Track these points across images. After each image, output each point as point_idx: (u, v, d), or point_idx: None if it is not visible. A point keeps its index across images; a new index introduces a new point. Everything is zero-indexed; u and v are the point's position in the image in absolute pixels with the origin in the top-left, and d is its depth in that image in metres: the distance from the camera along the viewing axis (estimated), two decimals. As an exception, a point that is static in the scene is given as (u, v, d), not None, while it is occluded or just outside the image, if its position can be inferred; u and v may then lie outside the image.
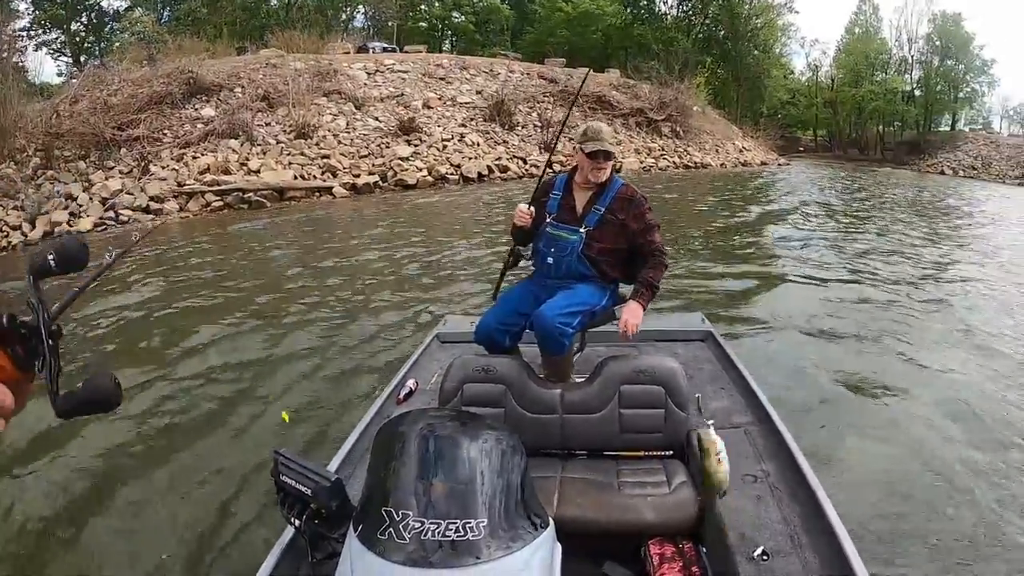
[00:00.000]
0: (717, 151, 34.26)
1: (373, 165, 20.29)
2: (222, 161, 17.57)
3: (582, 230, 3.03)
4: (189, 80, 20.39)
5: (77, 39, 43.79)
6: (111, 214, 14.15)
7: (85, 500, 3.67)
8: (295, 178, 18.11)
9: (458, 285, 8.38)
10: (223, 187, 16.28)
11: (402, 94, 25.61)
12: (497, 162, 23.17)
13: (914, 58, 56.01)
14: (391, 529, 1.48)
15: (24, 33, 36.60)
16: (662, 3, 53.61)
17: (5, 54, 18.51)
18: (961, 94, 55.42)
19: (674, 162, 30.11)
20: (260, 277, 9.10)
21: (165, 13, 43.61)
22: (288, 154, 19.17)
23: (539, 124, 26.62)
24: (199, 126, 18.98)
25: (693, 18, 53.74)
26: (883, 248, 11.74)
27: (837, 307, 7.51)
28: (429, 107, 25.31)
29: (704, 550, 2.18)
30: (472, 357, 2.86)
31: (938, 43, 53.89)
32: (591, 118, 22.69)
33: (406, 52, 33.22)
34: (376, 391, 4.07)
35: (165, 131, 18.37)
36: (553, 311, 2.86)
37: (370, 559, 1.47)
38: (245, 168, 17.77)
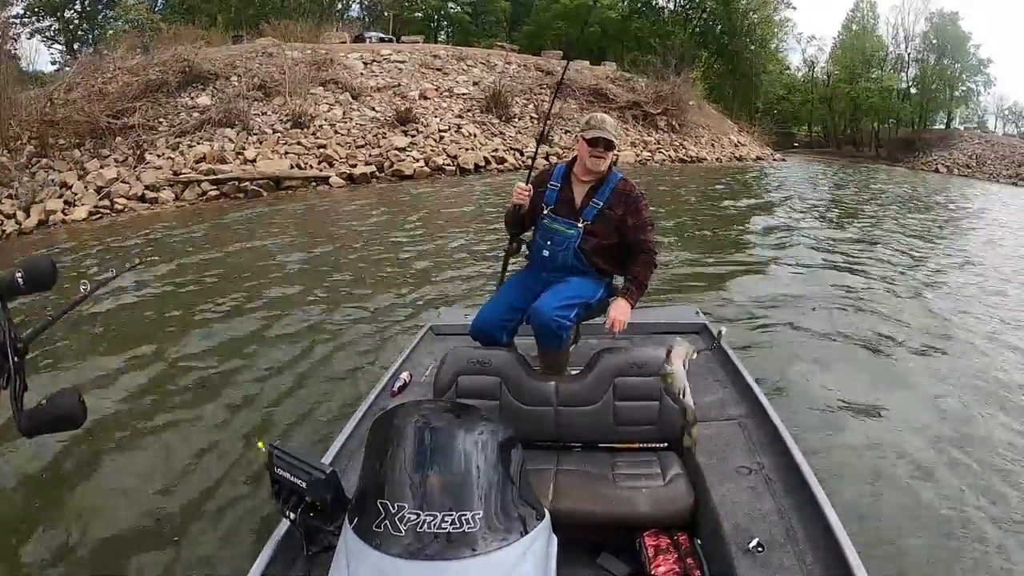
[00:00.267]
0: (713, 145, 34.26)
1: (370, 155, 20.24)
2: (218, 150, 17.51)
3: (580, 224, 3.02)
4: (185, 68, 20.26)
5: (71, 27, 43.47)
6: (106, 203, 14.09)
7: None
8: (291, 168, 18.05)
9: (453, 276, 8.36)
10: (219, 176, 16.23)
11: (399, 84, 25.51)
12: (494, 154, 23.12)
13: (910, 56, 56.15)
14: (387, 522, 1.48)
15: (17, 20, 36.36)
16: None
17: (-1, 40, 18.37)
18: (957, 93, 55.53)
19: (670, 156, 30.09)
20: (254, 266, 9.07)
21: (159, 1, 43.33)
22: (284, 144, 19.10)
23: (536, 116, 26.58)
24: (195, 115, 18.86)
25: (690, 12, 53.66)
26: (876, 242, 11.79)
27: (830, 300, 7.52)
28: (426, 98, 25.21)
29: (699, 542, 2.19)
30: (467, 349, 2.85)
31: (935, 41, 53.97)
32: (588, 111, 22.66)
33: (403, 42, 33.07)
34: (370, 383, 4.05)
35: (161, 119, 18.28)
36: (550, 304, 2.85)
37: (366, 552, 1.47)
38: (241, 157, 17.71)
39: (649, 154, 29.16)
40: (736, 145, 36.66)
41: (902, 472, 3.78)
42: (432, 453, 1.59)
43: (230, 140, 18.30)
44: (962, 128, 54.80)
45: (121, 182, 14.96)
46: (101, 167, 15.42)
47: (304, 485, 1.86)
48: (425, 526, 1.46)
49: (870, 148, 54.27)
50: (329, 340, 6.01)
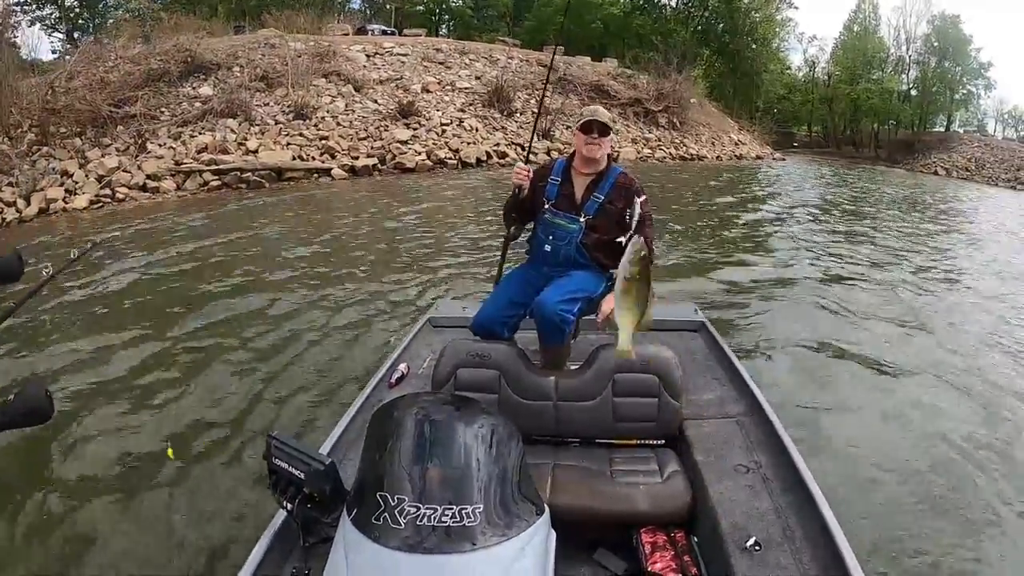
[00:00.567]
0: (713, 144, 34.19)
1: (372, 148, 20.18)
2: (220, 140, 17.43)
3: (582, 219, 3.02)
4: (187, 58, 20.17)
5: (71, 15, 43.31)
6: (108, 192, 14.04)
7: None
8: (293, 159, 17.97)
9: (452, 269, 8.36)
10: (221, 167, 16.16)
11: (401, 77, 25.43)
12: (496, 148, 23.05)
13: (911, 58, 55.93)
14: (386, 514, 1.47)
15: (18, 8, 36.19)
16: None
17: (0, 28, 18.25)
18: (957, 95, 55.34)
19: (670, 153, 30.04)
20: (254, 256, 9.06)
21: (160, -11, 43.09)
22: (287, 135, 19.02)
23: (537, 111, 26.46)
24: (197, 105, 18.77)
25: (692, 10, 53.49)
26: (874, 242, 11.84)
27: (828, 298, 7.56)
28: (428, 91, 25.16)
29: (696, 540, 2.19)
30: (466, 342, 2.85)
31: (936, 44, 53.77)
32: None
33: (405, 35, 33.03)
34: (367, 374, 4.04)
35: (162, 109, 18.19)
36: (554, 298, 2.85)
37: (364, 544, 1.47)
38: (243, 148, 17.63)
39: (650, 151, 29.11)
40: (736, 144, 36.59)
41: (899, 471, 3.78)
42: (432, 446, 1.59)
43: (232, 131, 18.22)
44: (961, 131, 54.72)
45: (122, 171, 14.87)
46: (102, 156, 15.33)
47: (302, 476, 1.84)
48: (424, 519, 1.45)
49: (869, 149, 54.14)
50: (326, 330, 6.02)
